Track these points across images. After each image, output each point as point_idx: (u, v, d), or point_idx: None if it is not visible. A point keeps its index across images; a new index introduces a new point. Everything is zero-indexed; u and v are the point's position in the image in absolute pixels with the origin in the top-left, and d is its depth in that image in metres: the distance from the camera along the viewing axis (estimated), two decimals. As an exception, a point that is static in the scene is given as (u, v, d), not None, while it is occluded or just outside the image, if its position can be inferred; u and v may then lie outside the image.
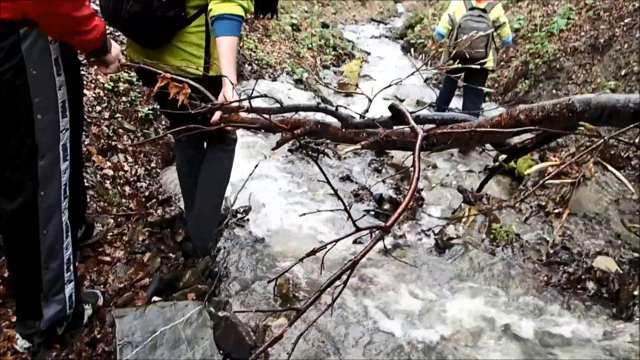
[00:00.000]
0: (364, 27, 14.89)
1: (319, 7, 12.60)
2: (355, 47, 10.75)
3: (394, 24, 15.85)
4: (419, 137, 1.32)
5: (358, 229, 1.16)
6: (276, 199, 3.82)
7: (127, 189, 3.62)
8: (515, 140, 1.85)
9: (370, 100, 1.74)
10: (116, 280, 2.51)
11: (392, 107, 1.61)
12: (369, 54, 10.83)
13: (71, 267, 2.02)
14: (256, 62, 6.84)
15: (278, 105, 1.72)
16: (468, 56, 5.14)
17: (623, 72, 5.97)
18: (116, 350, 1.95)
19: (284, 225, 3.51)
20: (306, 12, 11.05)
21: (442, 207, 4.18)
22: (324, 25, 10.89)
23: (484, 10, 5.26)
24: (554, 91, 6.95)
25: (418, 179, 1.21)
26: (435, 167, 5.31)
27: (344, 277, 1.10)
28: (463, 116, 1.66)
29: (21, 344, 2.00)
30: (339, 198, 1.19)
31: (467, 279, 2.83)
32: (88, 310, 2.25)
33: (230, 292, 2.76)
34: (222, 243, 3.10)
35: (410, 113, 1.52)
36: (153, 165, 4.12)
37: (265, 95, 1.68)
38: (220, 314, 2.29)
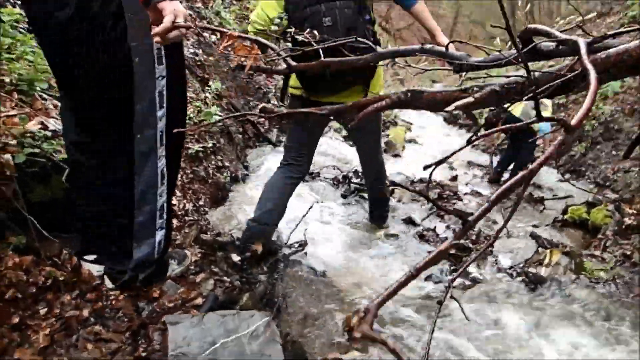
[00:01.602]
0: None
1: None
2: (398, 117, 10.67)
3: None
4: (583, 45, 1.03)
5: (439, 208, 0.87)
6: (333, 237, 3.51)
7: (174, 221, 3.37)
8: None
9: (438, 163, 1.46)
10: (165, 298, 2.18)
11: (526, 31, 1.30)
12: (411, 124, 10.73)
13: (164, 215, 2.07)
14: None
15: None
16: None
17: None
18: (169, 361, 1.59)
19: (343, 262, 3.17)
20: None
21: (513, 254, 3.77)
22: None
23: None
24: (613, 152, 6.59)
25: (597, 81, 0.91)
26: (495, 222, 4.95)
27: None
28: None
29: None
30: (426, 196, 0.89)
31: (568, 316, 2.40)
32: (174, 266, 2.30)
33: (291, 323, 2.40)
34: (280, 275, 2.76)
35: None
36: (201, 203, 3.88)
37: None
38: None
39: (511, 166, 6.21)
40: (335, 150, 6.21)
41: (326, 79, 2.49)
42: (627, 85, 7.27)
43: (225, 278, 2.49)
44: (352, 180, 4.82)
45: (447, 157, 1.02)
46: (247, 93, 6.31)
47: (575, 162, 7.11)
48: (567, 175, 6.93)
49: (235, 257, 2.67)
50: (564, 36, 1.20)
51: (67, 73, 1.86)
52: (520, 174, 0.84)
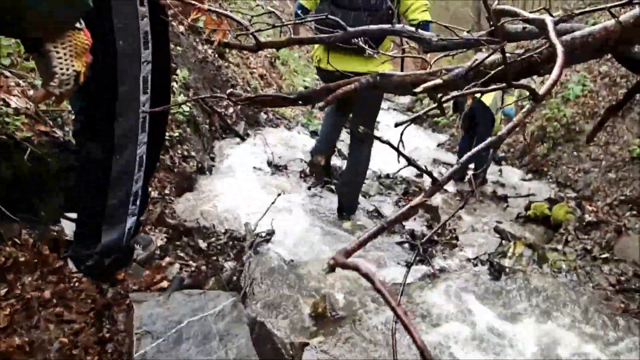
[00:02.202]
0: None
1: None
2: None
3: (398, 100, 16.02)
4: (550, 23, 1.05)
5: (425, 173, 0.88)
6: (302, 227, 3.50)
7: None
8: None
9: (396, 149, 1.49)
10: (130, 280, 2.14)
11: (494, 12, 1.32)
12: (378, 122, 10.80)
13: (137, 202, 2.02)
14: (272, 112, 6.71)
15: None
16: None
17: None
18: (132, 340, 1.56)
19: (310, 251, 3.17)
20: (317, 79, 11.16)
21: (478, 247, 3.84)
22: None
23: None
24: (574, 153, 6.79)
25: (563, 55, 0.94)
26: (460, 218, 5.03)
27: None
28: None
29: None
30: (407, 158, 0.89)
31: (531, 303, 2.46)
32: (139, 251, 2.23)
33: (257, 309, 2.39)
34: (247, 263, 2.74)
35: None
36: (167, 192, 3.81)
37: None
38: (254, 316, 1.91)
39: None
40: (302, 145, 6.21)
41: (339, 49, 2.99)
42: (587, 89, 7.49)
43: (191, 263, 2.46)
44: (319, 174, 4.83)
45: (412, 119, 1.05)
46: (215, 85, 6.24)
47: (538, 162, 7.30)
48: (530, 175, 7.11)
49: (202, 243, 2.64)
50: (531, 15, 1.22)
51: None
52: (489, 139, 0.85)
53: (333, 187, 4.48)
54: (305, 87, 9.20)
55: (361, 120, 3.80)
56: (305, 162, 5.18)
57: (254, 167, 4.62)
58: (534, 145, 7.64)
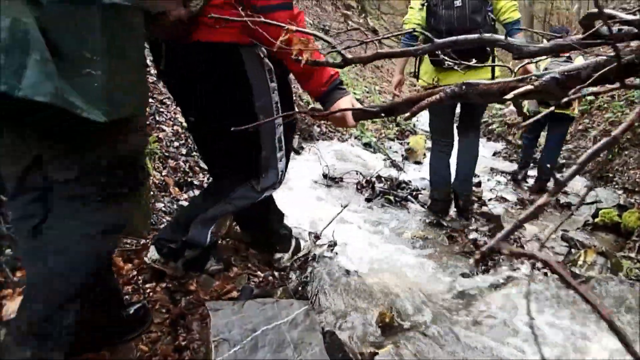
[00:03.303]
0: (423, 113, 14.90)
1: (379, 87, 12.71)
2: (417, 127, 10.65)
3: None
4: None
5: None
6: (362, 238, 3.48)
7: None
8: None
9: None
10: (201, 291, 2.18)
11: (587, 16, 1.28)
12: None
13: (283, 148, 2.28)
14: (325, 125, 6.75)
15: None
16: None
17: None
18: (210, 347, 1.58)
19: (373, 262, 3.14)
20: (367, 91, 11.14)
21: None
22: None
23: (569, 57, 5.03)
24: (641, 157, 6.50)
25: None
26: (524, 228, 4.88)
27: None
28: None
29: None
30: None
31: (615, 314, 2.35)
32: (212, 262, 2.40)
33: (324, 319, 2.38)
34: (312, 273, 2.74)
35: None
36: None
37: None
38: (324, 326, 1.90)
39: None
40: (356, 157, 6.21)
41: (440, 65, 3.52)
42: (653, 90, 7.18)
43: (258, 273, 2.49)
44: (375, 185, 4.81)
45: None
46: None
47: (603, 168, 7.02)
48: (594, 182, 6.84)
49: (277, 255, 2.66)
50: (628, 16, 1.18)
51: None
52: (605, 139, 0.81)
53: (391, 197, 4.45)
54: (357, 100, 9.23)
55: (468, 118, 4.12)
56: (360, 174, 5.18)
57: (312, 180, 4.64)
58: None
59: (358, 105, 1.98)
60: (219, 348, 1.58)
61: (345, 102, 1.97)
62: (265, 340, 1.64)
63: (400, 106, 1.52)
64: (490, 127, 10.07)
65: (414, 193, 4.74)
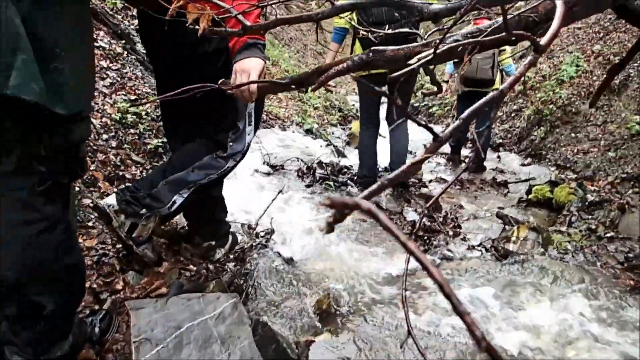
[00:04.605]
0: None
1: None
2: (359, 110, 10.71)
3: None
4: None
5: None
6: (301, 225, 3.45)
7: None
8: None
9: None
10: (128, 289, 2.08)
11: None
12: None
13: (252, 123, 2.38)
14: (265, 112, 6.66)
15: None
16: (477, 78, 5.62)
17: (646, 107, 5.80)
18: (131, 348, 1.51)
19: (311, 248, 3.11)
20: (309, 78, 11.11)
21: (481, 235, 3.79)
22: (328, 90, 10.88)
23: None
24: (572, 134, 6.73)
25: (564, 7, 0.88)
26: (461, 207, 4.98)
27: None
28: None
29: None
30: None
31: (537, 285, 2.41)
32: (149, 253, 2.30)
33: (259, 309, 2.34)
34: (248, 263, 2.69)
35: None
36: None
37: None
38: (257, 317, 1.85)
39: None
40: (298, 143, 6.16)
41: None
42: (581, 69, 7.45)
43: (191, 267, 2.41)
44: (316, 171, 4.78)
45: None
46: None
47: (536, 146, 7.24)
48: (529, 160, 7.05)
49: (202, 246, 2.58)
50: None
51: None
52: (491, 94, 0.80)
53: (331, 183, 4.43)
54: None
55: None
56: (300, 160, 5.14)
57: (250, 169, 4.56)
58: (531, 129, 7.59)
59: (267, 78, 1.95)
60: (140, 349, 1.50)
61: (254, 64, 2.01)
62: (191, 337, 1.57)
63: (310, 77, 1.47)
64: (430, 110, 10.23)
65: (355, 178, 4.74)
